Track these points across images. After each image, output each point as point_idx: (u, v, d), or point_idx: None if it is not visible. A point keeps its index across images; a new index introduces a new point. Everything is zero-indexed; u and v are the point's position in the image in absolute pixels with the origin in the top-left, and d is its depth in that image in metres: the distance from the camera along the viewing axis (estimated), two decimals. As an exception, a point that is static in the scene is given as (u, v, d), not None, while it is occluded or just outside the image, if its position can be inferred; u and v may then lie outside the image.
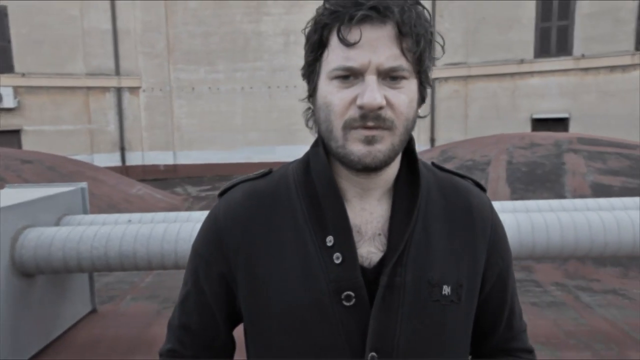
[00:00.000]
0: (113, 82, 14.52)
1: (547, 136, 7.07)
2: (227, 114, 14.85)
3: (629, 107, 11.58)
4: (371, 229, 0.77)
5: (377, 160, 0.70)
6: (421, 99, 0.76)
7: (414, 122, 0.74)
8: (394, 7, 0.67)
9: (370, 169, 0.72)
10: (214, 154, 14.90)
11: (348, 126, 0.70)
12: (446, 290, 0.77)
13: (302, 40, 0.75)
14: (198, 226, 2.64)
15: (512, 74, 12.62)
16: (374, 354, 0.73)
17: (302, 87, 0.78)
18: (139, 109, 14.78)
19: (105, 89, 14.50)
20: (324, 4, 0.71)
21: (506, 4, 12.32)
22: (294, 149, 13.62)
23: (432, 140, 13.82)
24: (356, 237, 0.76)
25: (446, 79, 13.36)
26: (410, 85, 0.71)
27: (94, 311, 3.81)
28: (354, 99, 0.69)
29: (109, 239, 2.83)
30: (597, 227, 2.76)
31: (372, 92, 0.67)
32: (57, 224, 3.32)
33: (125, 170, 14.25)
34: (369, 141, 0.69)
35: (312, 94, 0.77)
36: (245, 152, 14.80)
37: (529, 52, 12.45)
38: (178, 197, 10.36)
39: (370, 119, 0.68)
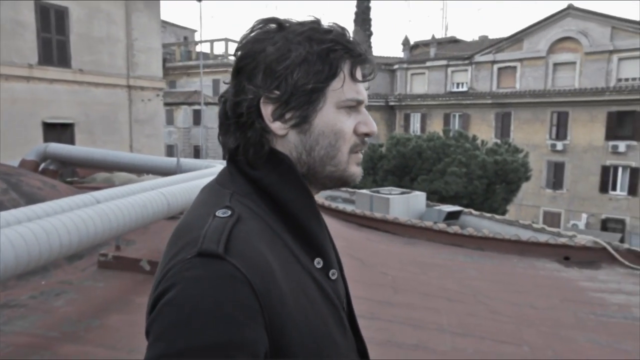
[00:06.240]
0: None
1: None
2: None
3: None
4: None
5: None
6: None
7: None
8: None
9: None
10: None
11: (353, 150, 0.79)
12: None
13: None
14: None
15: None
16: None
17: None
18: None
19: None
20: (327, 36, 0.74)
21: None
22: None
23: None
24: None
25: None
26: None
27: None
28: (355, 127, 0.79)
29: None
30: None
31: (373, 122, 0.80)
32: None
33: None
34: (360, 163, 0.82)
35: (303, 121, 0.75)
36: None
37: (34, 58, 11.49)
38: None
39: (365, 144, 0.82)
